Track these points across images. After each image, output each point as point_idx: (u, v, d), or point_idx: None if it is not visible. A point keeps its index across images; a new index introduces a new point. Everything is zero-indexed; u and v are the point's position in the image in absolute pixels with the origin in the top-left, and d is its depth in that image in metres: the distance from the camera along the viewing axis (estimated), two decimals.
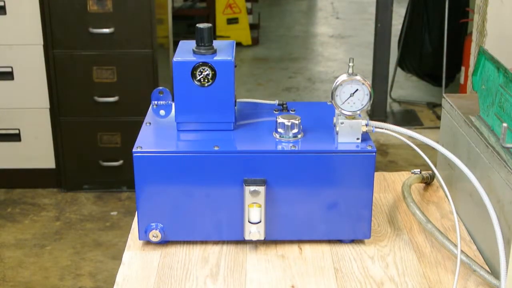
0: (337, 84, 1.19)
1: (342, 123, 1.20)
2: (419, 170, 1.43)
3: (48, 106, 3.32)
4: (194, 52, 1.23)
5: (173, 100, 1.30)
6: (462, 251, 1.14)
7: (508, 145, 1.12)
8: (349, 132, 1.20)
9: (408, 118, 4.42)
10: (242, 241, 1.24)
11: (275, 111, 1.35)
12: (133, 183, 1.19)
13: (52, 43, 3.18)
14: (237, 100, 1.32)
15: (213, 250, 1.23)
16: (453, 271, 1.16)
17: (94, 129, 3.33)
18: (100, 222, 3.20)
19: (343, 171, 1.19)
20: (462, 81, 4.12)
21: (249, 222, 1.19)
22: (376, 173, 1.22)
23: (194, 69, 1.21)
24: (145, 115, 1.33)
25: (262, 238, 1.20)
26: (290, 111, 1.35)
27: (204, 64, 1.21)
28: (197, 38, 1.23)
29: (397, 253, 1.23)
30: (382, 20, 4.13)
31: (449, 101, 1.43)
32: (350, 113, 1.20)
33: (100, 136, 3.34)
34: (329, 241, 1.25)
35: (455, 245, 1.17)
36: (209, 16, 5.99)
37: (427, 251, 1.24)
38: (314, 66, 5.70)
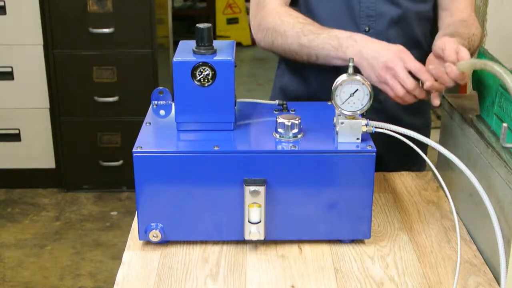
0: (337, 84, 1.19)
1: (342, 123, 1.20)
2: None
3: (48, 106, 3.32)
4: (194, 52, 1.23)
5: (173, 100, 1.30)
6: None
7: (508, 145, 1.12)
8: (349, 132, 1.20)
9: None
10: (242, 241, 1.24)
11: (275, 111, 1.35)
12: (133, 183, 1.19)
13: (52, 43, 3.18)
14: (237, 100, 1.32)
15: (213, 250, 1.23)
16: (453, 271, 1.16)
17: (94, 129, 3.33)
18: (100, 222, 3.20)
19: (343, 171, 1.18)
20: None
21: (249, 222, 1.19)
22: (376, 173, 1.21)
23: (194, 69, 1.21)
24: (145, 115, 1.33)
25: (262, 238, 1.20)
26: (290, 111, 1.35)
27: (204, 64, 1.21)
28: (197, 38, 1.23)
29: (397, 253, 1.23)
30: None
31: (449, 101, 1.43)
32: (350, 113, 1.20)
33: (100, 136, 3.34)
34: (329, 241, 1.25)
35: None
36: (209, 16, 6.00)
37: (427, 251, 1.24)
38: None
